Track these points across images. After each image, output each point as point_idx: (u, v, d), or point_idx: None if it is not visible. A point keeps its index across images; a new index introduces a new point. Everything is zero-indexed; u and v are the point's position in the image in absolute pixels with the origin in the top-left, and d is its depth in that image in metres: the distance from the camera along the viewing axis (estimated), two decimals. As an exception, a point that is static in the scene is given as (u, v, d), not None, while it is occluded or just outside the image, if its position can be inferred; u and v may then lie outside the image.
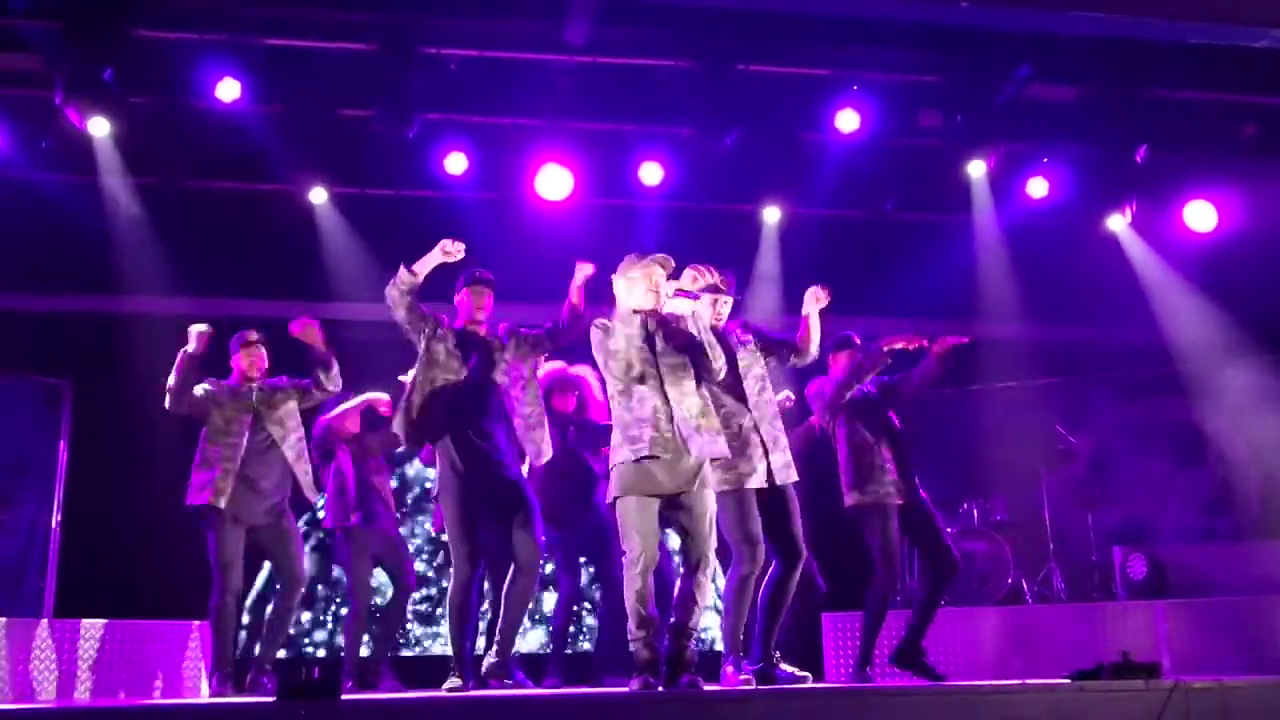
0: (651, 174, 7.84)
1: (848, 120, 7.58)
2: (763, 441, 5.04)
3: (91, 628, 6.27)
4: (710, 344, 4.64)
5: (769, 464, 5.03)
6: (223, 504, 5.71)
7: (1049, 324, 8.55)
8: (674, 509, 4.56)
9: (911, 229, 8.45)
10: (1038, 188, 8.17)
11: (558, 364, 6.53)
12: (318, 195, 7.89)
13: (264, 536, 5.90)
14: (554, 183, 7.71)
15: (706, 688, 4.40)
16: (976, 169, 7.95)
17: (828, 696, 4.02)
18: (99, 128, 7.09)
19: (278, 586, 6.14)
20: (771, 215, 8.35)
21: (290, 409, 6.00)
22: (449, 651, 5.18)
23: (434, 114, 7.45)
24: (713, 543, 4.58)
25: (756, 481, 4.97)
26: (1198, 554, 6.92)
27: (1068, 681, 3.99)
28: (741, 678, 4.93)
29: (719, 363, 4.66)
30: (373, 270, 7.97)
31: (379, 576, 6.97)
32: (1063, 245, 8.40)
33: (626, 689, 4.43)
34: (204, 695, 6.29)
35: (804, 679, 5.08)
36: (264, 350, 6.06)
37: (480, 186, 7.85)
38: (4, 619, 6.11)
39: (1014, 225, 8.36)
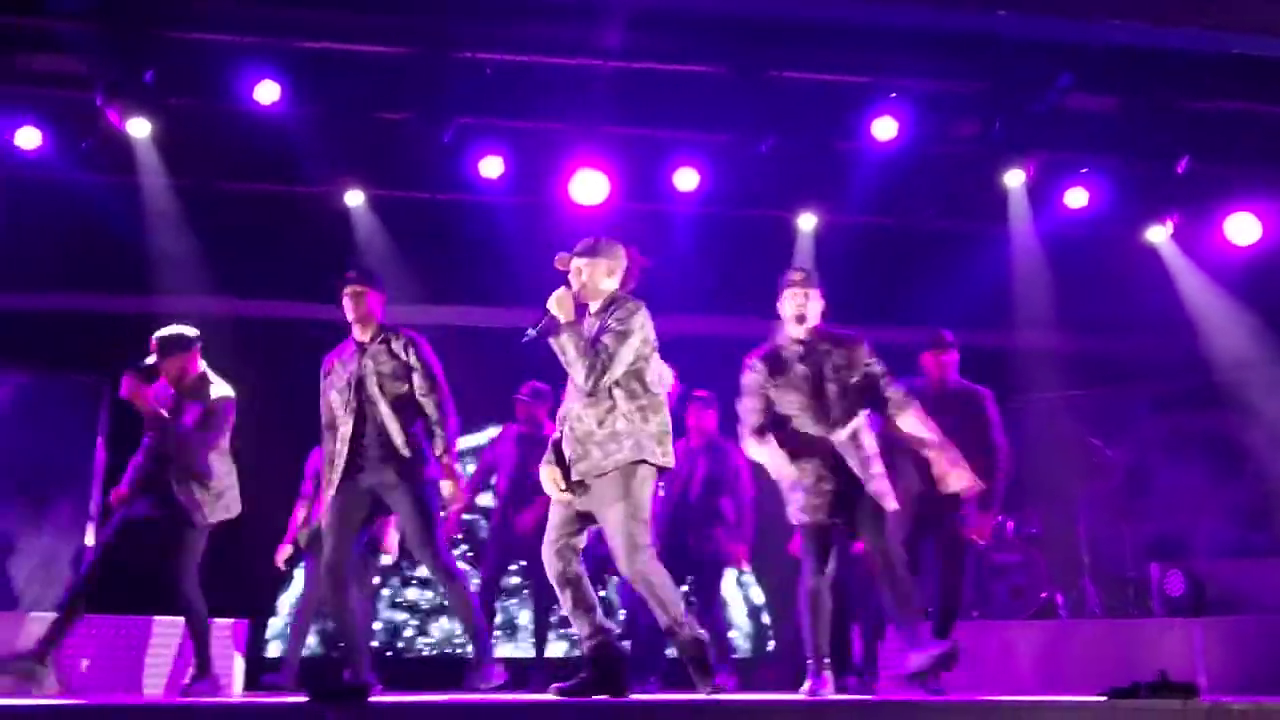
0: (687, 180, 7.82)
1: (885, 128, 7.53)
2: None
3: (128, 623, 6.31)
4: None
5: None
6: None
7: (1086, 335, 8.48)
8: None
9: (948, 238, 8.39)
10: (1076, 198, 8.09)
11: None
12: (354, 198, 7.93)
13: None
14: (589, 188, 7.69)
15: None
16: (1014, 178, 7.87)
17: (862, 710, 3.98)
18: (139, 129, 7.15)
19: None
20: (807, 222, 8.31)
21: None
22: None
23: (469, 118, 7.46)
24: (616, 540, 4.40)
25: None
26: (1236, 570, 6.82)
27: (1103, 699, 3.94)
28: (806, 687, 4.92)
29: None
30: (408, 272, 8.03)
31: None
32: (1101, 256, 8.31)
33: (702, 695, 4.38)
34: (238, 692, 6.34)
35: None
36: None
37: (515, 190, 7.87)
38: (43, 613, 6.16)
39: (1052, 235, 8.28)
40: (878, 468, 4.98)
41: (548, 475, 4.54)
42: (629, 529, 4.34)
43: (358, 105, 7.45)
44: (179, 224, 7.70)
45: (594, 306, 4.60)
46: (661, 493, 6.73)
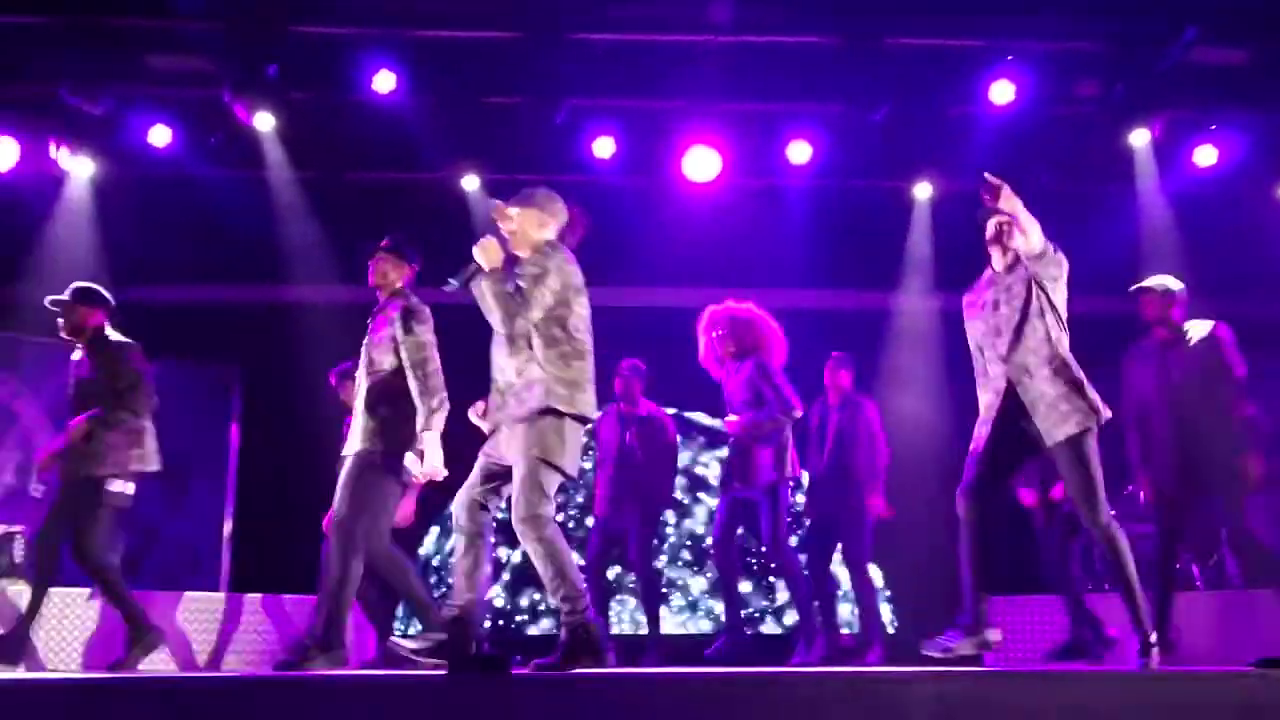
0: (800, 152, 7.75)
1: (1002, 92, 7.36)
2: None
3: (264, 602, 6.53)
4: None
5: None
6: None
7: (1219, 297, 8.15)
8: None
9: (1071, 201, 8.16)
10: (1206, 156, 7.81)
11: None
12: (470, 182, 8.05)
13: None
14: (701, 165, 7.69)
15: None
16: (1140, 138, 7.64)
17: (1007, 678, 3.93)
18: (264, 123, 7.37)
19: None
20: (923, 191, 8.19)
21: None
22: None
23: (581, 99, 7.51)
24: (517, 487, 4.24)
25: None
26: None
27: (1251, 670, 3.83)
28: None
29: None
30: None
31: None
32: (1233, 215, 8.02)
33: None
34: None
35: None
36: None
37: (628, 170, 7.88)
38: (184, 593, 6.42)
39: (1180, 195, 8.01)
40: (1064, 387, 4.53)
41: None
42: (534, 477, 4.15)
43: (471, 90, 7.55)
44: (304, 214, 7.92)
45: (524, 257, 4.43)
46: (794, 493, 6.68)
